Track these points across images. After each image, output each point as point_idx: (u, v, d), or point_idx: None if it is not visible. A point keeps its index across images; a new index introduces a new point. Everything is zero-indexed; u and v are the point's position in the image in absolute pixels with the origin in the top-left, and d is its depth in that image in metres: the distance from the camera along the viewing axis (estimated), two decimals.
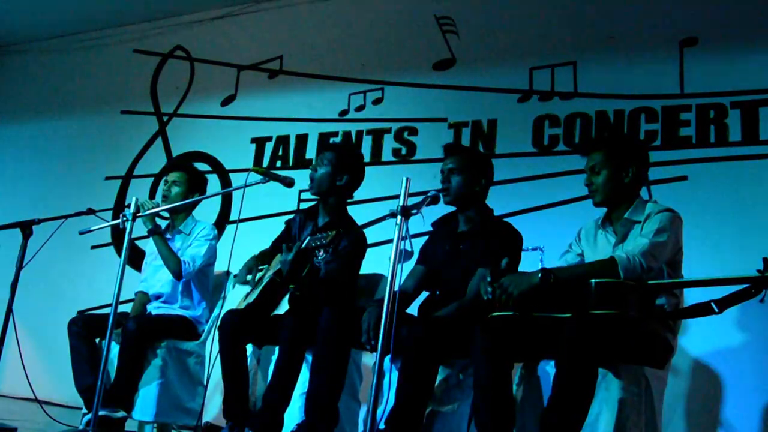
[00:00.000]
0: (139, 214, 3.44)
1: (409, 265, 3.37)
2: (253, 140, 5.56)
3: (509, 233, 3.27)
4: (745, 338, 3.73)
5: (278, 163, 5.42)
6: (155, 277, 4.13)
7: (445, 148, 3.40)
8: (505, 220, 3.46)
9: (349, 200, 3.72)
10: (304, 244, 3.27)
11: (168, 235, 4.10)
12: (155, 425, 3.89)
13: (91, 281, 5.65)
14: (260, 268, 3.57)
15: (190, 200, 4.03)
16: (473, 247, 3.24)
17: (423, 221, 2.86)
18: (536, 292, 2.65)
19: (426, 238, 3.53)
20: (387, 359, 3.04)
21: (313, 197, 3.77)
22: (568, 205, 4.29)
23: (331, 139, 5.22)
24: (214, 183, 5.52)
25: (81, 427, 3.60)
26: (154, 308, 4.07)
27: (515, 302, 2.65)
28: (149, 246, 4.26)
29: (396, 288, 2.53)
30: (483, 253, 3.18)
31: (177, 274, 3.91)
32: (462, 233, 3.32)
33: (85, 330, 3.83)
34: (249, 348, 3.52)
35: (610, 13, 4.55)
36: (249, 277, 3.45)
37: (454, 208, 3.39)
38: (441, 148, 3.44)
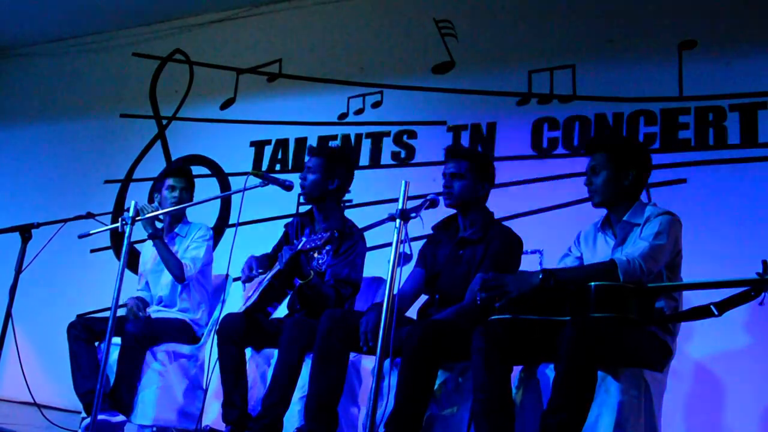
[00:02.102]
0: (139, 217, 3.44)
1: (409, 269, 3.37)
2: (252, 144, 5.56)
3: (509, 238, 3.26)
4: (744, 341, 3.72)
5: (277, 167, 5.41)
6: (154, 281, 4.12)
7: (447, 152, 3.39)
8: (505, 224, 3.45)
9: (348, 204, 3.73)
10: (299, 246, 3.28)
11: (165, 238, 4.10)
12: (154, 429, 3.88)
13: (91, 285, 5.64)
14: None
15: (190, 204, 4.03)
16: (473, 252, 3.24)
17: (422, 224, 2.86)
18: (536, 293, 2.65)
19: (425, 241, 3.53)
20: (386, 362, 3.04)
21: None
22: (567, 208, 4.29)
23: (331, 143, 5.22)
24: (213, 186, 5.52)
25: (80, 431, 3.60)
26: (153, 312, 4.07)
27: (513, 302, 2.65)
28: (144, 250, 4.26)
29: (395, 291, 2.53)
30: (483, 258, 3.18)
31: (179, 277, 3.90)
32: (462, 238, 3.32)
33: (85, 334, 3.83)
34: (248, 351, 3.53)
35: (608, 15, 4.55)
36: (255, 273, 3.46)
37: (454, 211, 3.39)
38: (440, 152, 3.44)
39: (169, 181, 4.14)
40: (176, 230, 4.13)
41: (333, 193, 3.61)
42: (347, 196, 4.73)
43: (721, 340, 3.74)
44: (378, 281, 3.87)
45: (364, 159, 5.07)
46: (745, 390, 3.67)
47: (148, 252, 4.17)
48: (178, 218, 4.16)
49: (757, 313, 3.60)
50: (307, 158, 3.70)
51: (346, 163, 3.71)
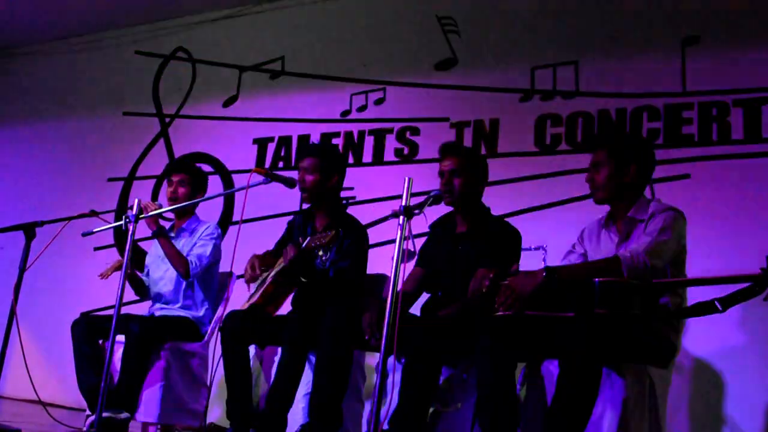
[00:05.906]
0: (142, 215, 3.44)
1: (412, 266, 3.37)
2: (255, 141, 5.56)
3: (508, 232, 3.27)
4: (748, 337, 3.72)
5: (280, 164, 5.42)
6: (157, 277, 4.13)
7: (443, 149, 3.39)
8: (505, 220, 3.45)
9: (351, 201, 3.73)
10: (304, 245, 3.28)
11: (172, 234, 4.11)
12: (159, 427, 3.89)
13: (94, 283, 5.61)
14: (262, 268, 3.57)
15: (194, 201, 4.04)
16: (472, 247, 3.24)
17: (426, 221, 2.86)
18: (540, 291, 2.65)
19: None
20: (390, 359, 3.04)
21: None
22: (570, 204, 4.29)
23: (333, 140, 5.22)
24: (216, 184, 5.53)
25: (85, 429, 3.61)
26: (157, 309, 4.07)
27: (524, 305, 2.65)
28: (152, 248, 4.27)
29: (399, 288, 2.53)
30: (482, 253, 3.18)
31: (184, 273, 3.90)
32: (461, 234, 3.32)
33: (89, 331, 3.83)
34: (252, 349, 3.53)
35: (611, 11, 4.55)
36: (258, 272, 3.48)
37: (452, 208, 3.39)
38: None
39: (168, 178, 4.17)
40: (184, 226, 4.14)
41: (333, 189, 3.62)
42: (350, 193, 4.74)
43: (725, 336, 3.73)
44: (381, 278, 3.86)
45: (367, 156, 5.07)
46: (749, 385, 3.67)
47: (155, 249, 4.18)
48: (185, 214, 4.17)
49: (760, 309, 3.59)
50: (302, 160, 3.68)
51: (338, 157, 3.73)
